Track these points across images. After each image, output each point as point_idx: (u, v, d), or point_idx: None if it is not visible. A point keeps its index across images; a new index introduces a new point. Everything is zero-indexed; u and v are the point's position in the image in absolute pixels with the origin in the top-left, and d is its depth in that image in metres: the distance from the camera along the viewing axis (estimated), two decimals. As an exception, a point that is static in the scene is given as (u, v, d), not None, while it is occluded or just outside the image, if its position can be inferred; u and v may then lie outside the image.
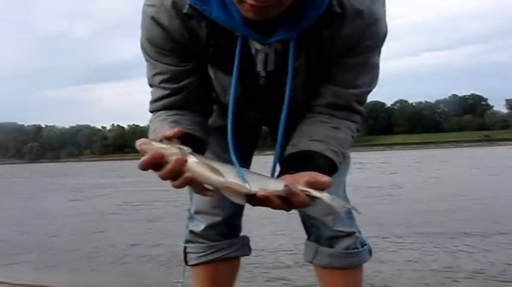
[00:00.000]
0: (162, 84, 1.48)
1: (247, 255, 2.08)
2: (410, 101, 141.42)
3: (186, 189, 1.43)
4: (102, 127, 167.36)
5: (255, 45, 1.43)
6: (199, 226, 1.95)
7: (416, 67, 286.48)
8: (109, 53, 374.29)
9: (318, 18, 1.32)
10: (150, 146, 1.16)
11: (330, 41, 1.39)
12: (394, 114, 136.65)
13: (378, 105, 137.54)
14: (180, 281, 2.65)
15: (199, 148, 1.32)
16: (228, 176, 1.19)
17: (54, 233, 7.58)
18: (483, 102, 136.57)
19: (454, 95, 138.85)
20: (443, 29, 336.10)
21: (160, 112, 1.49)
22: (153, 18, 1.41)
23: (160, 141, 1.17)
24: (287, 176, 1.28)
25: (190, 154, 1.18)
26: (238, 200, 1.21)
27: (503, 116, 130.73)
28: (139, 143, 1.17)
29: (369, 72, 1.48)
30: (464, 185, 12.22)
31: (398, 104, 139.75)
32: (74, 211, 10.54)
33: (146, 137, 1.29)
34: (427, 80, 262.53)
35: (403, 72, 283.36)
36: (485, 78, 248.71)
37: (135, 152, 1.22)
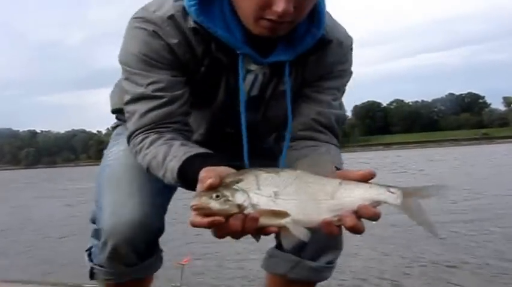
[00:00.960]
0: (158, 93, 1.42)
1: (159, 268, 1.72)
2: (406, 101, 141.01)
3: (90, 195, 1.57)
4: (98, 131, 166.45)
5: (248, 66, 1.47)
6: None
7: (411, 68, 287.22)
8: (103, 60, 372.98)
9: (313, 44, 1.46)
10: (208, 210, 1.08)
11: (314, 66, 1.52)
12: (390, 113, 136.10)
13: (374, 105, 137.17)
14: (177, 284, 2.66)
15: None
16: (293, 212, 1.09)
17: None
18: (480, 101, 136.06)
19: (451, 94, 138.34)
20: (438, 31, 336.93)
21: (151, 138, 1.41)
22: (155, 32, 1.42)
23: (217, 196, 1.08)
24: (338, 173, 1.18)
25: (250, 204, 1.08)
26: (305, 236, 1.10)
27: (501, 114, 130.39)
28: (195, 206, 1.08)
29: (340, 96, 1.61)
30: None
31: (394, 104, 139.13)
32: (62, 215, 10.83)
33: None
34: (423, 80, 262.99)
35: (398, 73, 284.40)
36: (481, 78, 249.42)
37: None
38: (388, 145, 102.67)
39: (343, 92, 1.60)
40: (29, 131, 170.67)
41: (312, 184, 1.13)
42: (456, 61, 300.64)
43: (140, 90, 1.43)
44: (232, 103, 1.45)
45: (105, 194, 1.57)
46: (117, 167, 1.62)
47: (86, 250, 1.69)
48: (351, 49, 1.59)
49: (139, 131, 1.43)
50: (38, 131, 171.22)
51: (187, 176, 1.28)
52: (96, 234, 1.58)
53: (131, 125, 1.46)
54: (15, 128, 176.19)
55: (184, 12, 1.41)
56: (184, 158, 1.31)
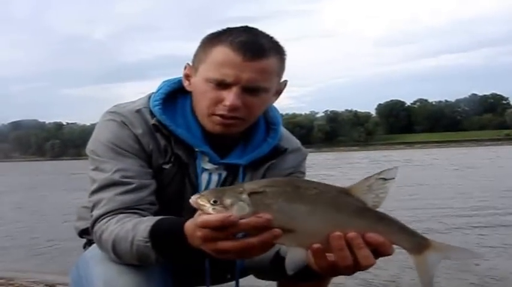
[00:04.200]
0: (126, 179, 1.45)
1: None
2: (430, 100, 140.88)
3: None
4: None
5: (204, 165, 1.57)
6: None
7: (435, 68, 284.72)
8: (128, 54, 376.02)
9: (268, 151, 1.61)
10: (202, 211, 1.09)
11: (273, 170, 1.63)
12: (414, 112, 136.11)
13: (398, 104, 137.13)
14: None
15: None
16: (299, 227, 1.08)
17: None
18: (504, 101, 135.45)
19: (474, 94, 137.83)
20: (461, 32, 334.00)
21: (119, 217, 1.40)
22: (124, 123, 1.51)
23: (215, 202, 1.06)
24: None
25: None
26: (301, 256, 1.10)
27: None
28: (192, 202, 1.09)
29: None
30: None
31: (418, 103, 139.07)
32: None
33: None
34: (446, 80, 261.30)
35: (421, 73, 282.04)
36: (505, 79, 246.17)
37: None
38: (410, 144, 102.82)
39: None
40: (55, 123, 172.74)
41: (343, 213, 1.11)
42: (479, 62, 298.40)
43: (108, 176, 1.45)
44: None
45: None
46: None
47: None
48: (305, 159, 1.74)
49: (106, 215, 1.41)
50: (64, 123, 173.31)
51: (161, 231, 1.26)
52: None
53: (97, 210, 1.43)
54: (41, 120, 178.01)
55: (150, 109, 1.54)
56: (158, 218, 1.31)
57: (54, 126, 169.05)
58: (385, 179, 1.12)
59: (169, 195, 1.55)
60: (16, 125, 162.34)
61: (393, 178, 1.12)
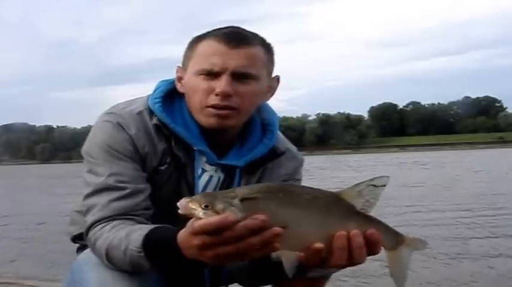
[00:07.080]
0: (121, 184, 1.44)
1: None
2: (423, 103, 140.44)
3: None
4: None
5: (203, 166, 1.56)
6: None
7: (427, 71, 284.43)
8: (118, 57, 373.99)
9: (264, 154, 1.60)
10: (191, 216, 1.07)
11: (269, 175, 1.62)
12: (406, 115, 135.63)
13: (390, 107, 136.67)
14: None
15: None
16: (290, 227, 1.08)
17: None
18: (497, 104, 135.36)
19: (467, 97, 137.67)
20: (453, 34, 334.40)
21: (113, 223, 1.39)
22: (120, 124, 1.50)
23: (206, 206, 1.05)
24: None
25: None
26: (292, 260, 1.12)
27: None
28: (180, 208, 1.08)
29: None
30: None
31: (410, 106, 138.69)
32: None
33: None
34: (439, 82, 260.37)
35: (414, 75, 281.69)
36: (498, 82, 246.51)
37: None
38: (403, 147, 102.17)
39: None
40: (46, 126, 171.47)
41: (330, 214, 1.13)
42: (471, 65, 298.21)
43: (102, 181, 1.43)
44: None
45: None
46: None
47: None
48: (301, 166, 1.72)
49: (100, 222, 1.40)
50: (55, 126, 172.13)
51: (154, 241, 1.25)
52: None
53: (91, 216, 1.42)
54: (31, 123, 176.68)
55: (151, 110, 1.54)
56: (151, 227, 1.30)
57: (44, 129, 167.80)
58: (375, 185, 1.14)
59: (164, 196, 1.53)
60: (6, 128, 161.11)
61: (384, 185, 1.14)
